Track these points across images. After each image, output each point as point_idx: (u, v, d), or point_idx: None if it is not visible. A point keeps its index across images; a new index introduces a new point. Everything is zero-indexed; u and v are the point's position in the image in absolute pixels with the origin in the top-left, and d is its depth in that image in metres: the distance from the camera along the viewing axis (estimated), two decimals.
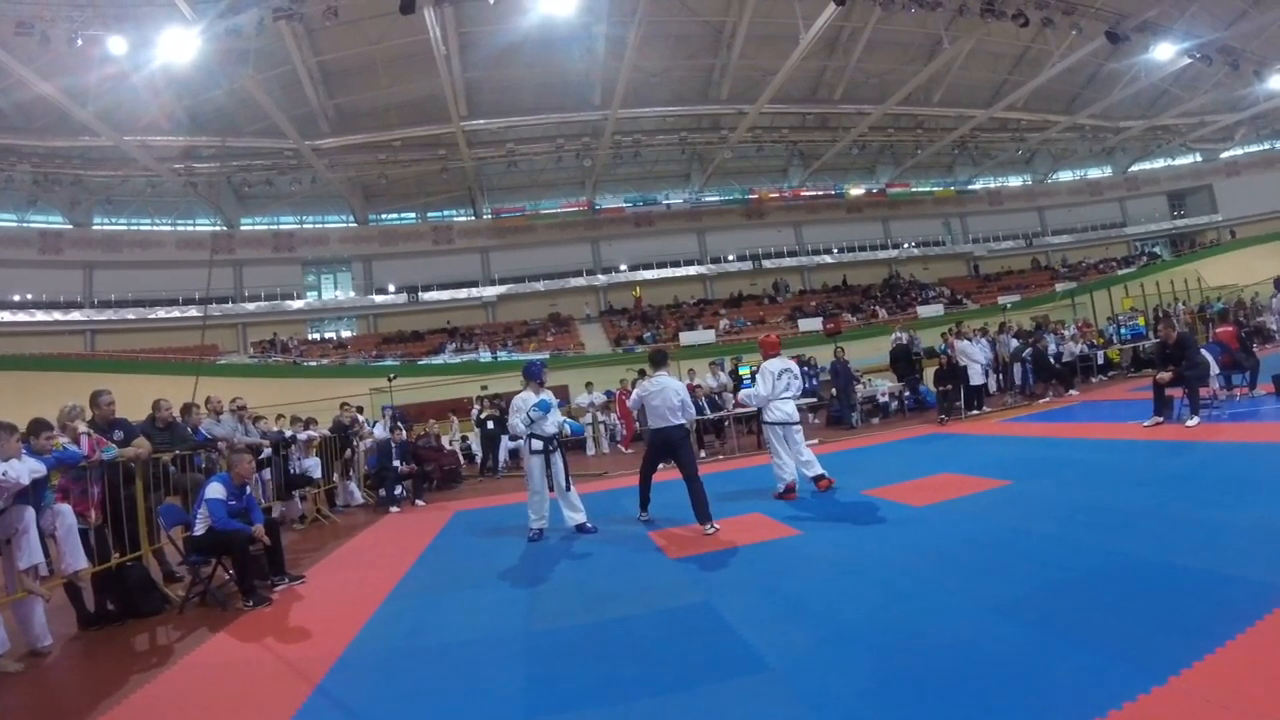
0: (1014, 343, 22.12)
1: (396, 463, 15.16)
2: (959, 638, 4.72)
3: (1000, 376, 21.90)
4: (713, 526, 8.49)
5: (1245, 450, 9.89)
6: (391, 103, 32.23)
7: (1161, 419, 12.46)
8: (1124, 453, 11.01)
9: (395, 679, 5.28)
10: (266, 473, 12.82)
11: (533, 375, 10.38)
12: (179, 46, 22.96)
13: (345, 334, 41.07)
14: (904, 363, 22.41)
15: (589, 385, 23.15)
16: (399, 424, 17.35)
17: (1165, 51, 33.45)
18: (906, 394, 21.99)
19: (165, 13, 22.19)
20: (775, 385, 10.83)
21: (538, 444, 9.95)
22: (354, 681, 5.32)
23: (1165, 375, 12.67)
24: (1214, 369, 13.37)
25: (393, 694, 5.01)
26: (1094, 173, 55.15)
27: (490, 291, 43.18)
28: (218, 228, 39.21)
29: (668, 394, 9.44)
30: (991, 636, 4.66)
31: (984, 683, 4.05)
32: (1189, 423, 11.85)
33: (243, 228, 40.38)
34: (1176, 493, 7.96)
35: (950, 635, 4.78)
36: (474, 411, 21.75)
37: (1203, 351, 13.30)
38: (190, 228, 39.32)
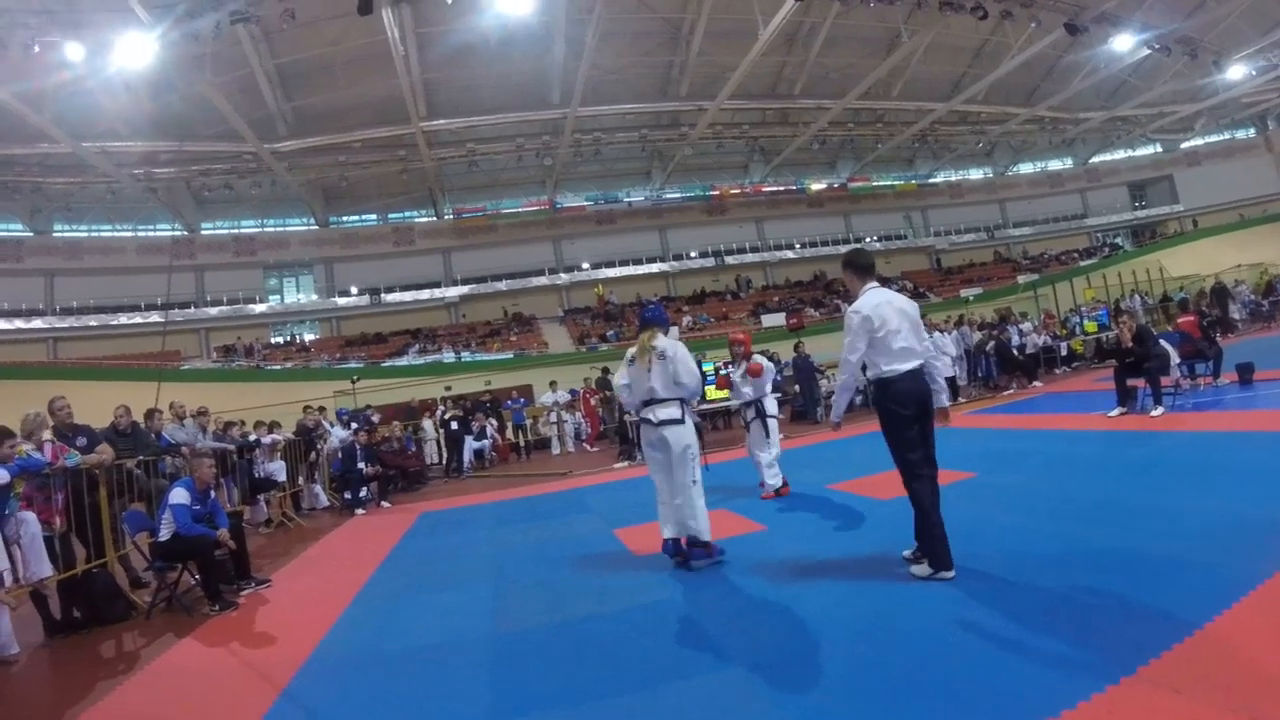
0: (975, 335, 22.32)
1: (361, 465, 15.09)
2: (925, 630, 4.71)
3: (965, 369, 21.88)
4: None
5: (1208, 439, 10.20)
6: (351, 104, 32.02)
7: (1125, 409, 12.72)
8: (1088, 443, 11.27)
9: (361, 682, 5.30)
10: (232, 478, 12.73)
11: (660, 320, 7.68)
12: (136, 51, 22.68)
13: (308, 337, 40.72)
14: None
15: (553, 384, 23.32)
16: (368, 425, 17.35)
17: (1124, 42, 33.69)
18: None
19: (122, 18, 21.95)
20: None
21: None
22: (320, 685, 5.35)
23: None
24: (1175, 359, 13.60)
25: (359, 697, 5.03)
26: (1054, 165, 55.28)
27: (453, 292, 42.97)
28: (178, 233, 38.76)
29: (905, 313, 6.05)
30: (958, 628, 4.68)
31: (952, 674, 4.07)
32: (1153, 413, 12.13)
33: (203, 232, 40.02)
34: (1141, 482, 8.18)
35: (916, 628, 4.78)
36: (438, 412, 21.73)
37: (1162, 342, 13.60)
38: (151, 233, 38.82)
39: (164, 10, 22.06)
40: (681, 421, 7.02)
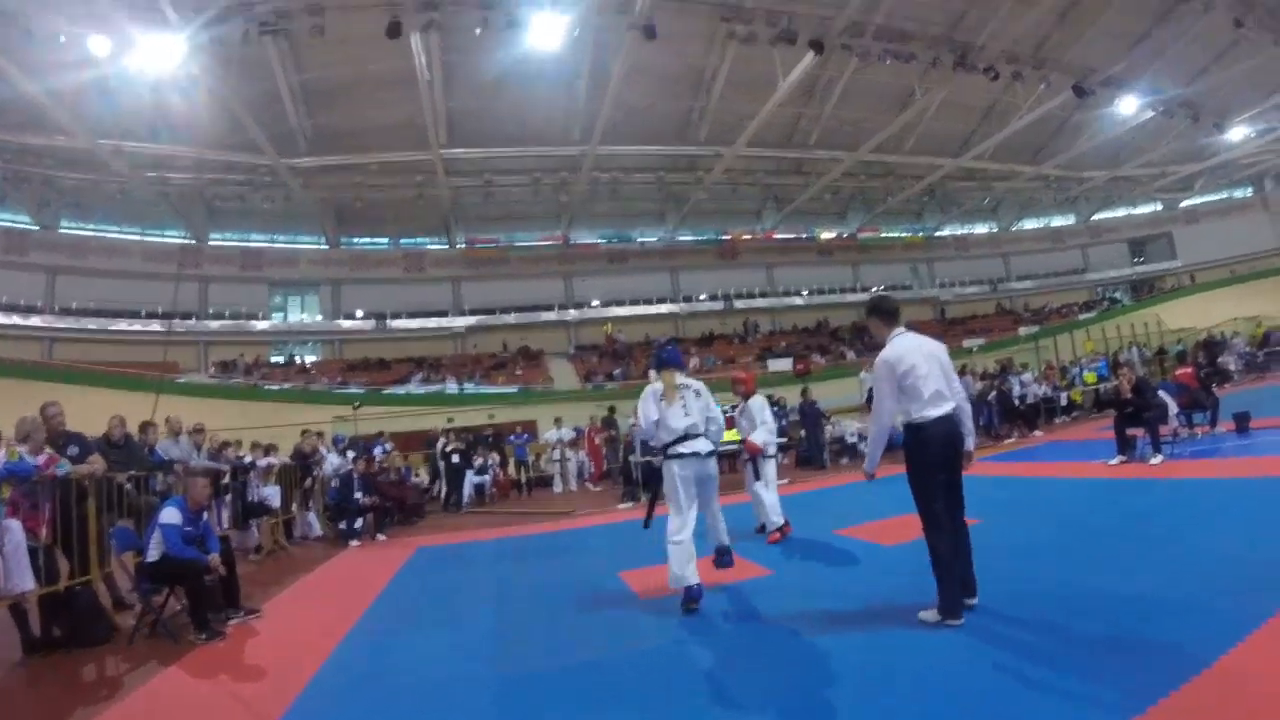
0: (977, 385, 22.51)
1: (358, 495, 14.88)
2: (942, 674, 4.72)
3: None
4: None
5: (1207, 485, 10.37)
6: (371, 126, 31.90)
7: (1125, 458, 12.95)
8: (1090, 490, 11.40)
9: None
10: (225, 500, 12.55)
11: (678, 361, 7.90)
12: (161, 53, 22.56)
13: (309, 359, 40.27)
14: None
15: (558, 420, 23.09)
16: (368, 453, 17.18)
17: (1129, 105, 34.67)
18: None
19: (150, 16, 21.72)
20: (766, 416, 10.63)
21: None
22: None
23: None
24: (1173, 409, 13.77)
25: None
26: (1057, 221, 56.37)
27: (460, 322, 42.68)
28: (186, 241, 38.58)
29: (935, 356, 6.08)
30: (973, 672, 4.70)
31: (966, 717, 4.09)
32: (1152, 460, 12.38)
33: (211, 243, 39.59)
34: (1142, 527, 8.37)
35: (929, 672, 4.77)
36: (439, 444, 21.52)
37: (1160, 392, 13.85)
38: (159, 239, 38.58)
39: (194, 13, 21.98)
40: (714, 453, 7.40)
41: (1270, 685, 3.86)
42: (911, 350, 5.90)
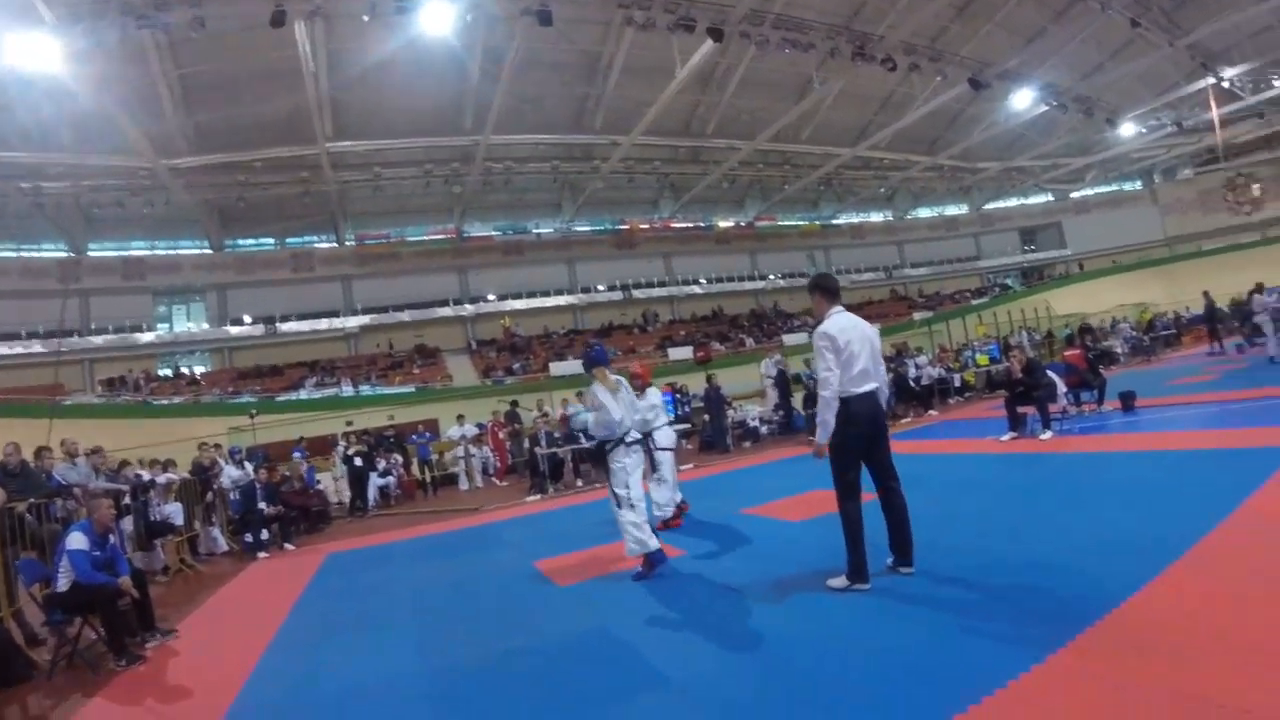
0: None
1: (261, 505, 14.33)
2: (839, 639, 5.10)
3: None
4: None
5: (1092, 459, 11.28)
6: (255, 121, 30.83)
7: (1016, 434, 13.96)
8: (983, 465, 12.20)
9: None
10: (126, 521, 11.88)
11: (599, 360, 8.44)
12: (33, 53, 21.14)
13: (199, 369, 38.36)
14: (785, 388, 23.06)
15: (460, 418, 22.64)
16: (263, 464, 16.56)
17: (1024, 99, 35.92)
18: (780, 416, 23.02)
19: (21, 13, 20.45)
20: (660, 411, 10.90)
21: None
22: None
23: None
24: (1061, 388, 14.73)
25: None
26: (951, 210, 58.18)
27: (353, 322, 41.51)
28: (65, 254, 36.85)
29: (868, 338, 6.45)
30: (869, 636, 5.06)
31: (866, 678, 4.40)
32: (1042, 436, 13.32)
33: (90, 253, 37.67)
34: (1032, 499, 8.95)
35: (832, 637, 5.16)
36: (340, 448, 20.88)
37: (1049, 372, 14.81)
38: (35, 253, 36.64)
39: (68, 10, 20.86)
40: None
41: (1162, 630, 4.33)
42: (848, 328, 6.27)
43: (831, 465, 6.25)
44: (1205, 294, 27.79)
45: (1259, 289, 22.05)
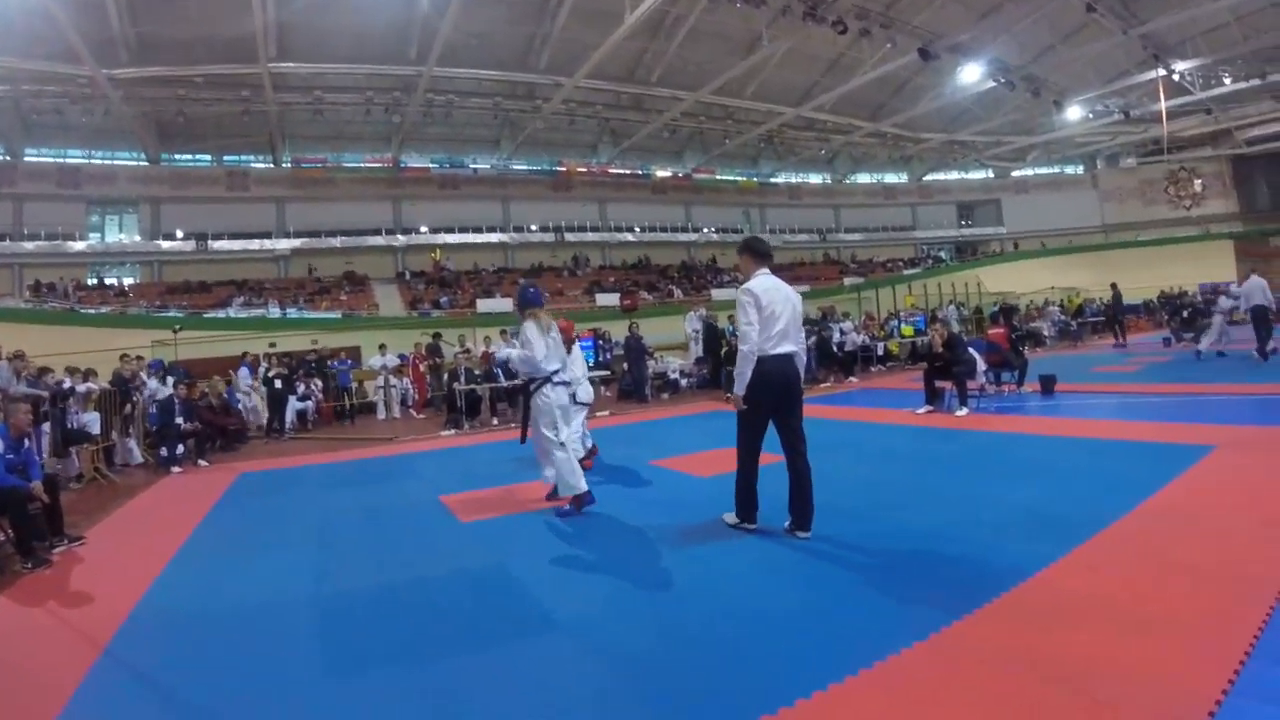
0: None
1: (179, 420, 14.43)
2: (735, 595, 5.15)
3: None
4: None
5: (1005, 439, 11.02)
6: (199, 36, 30.24)
7: (932, 407, 13.80)
8: (896, 436, 11.96)
9: (186, 642, 5.18)
10: (44, 427, 12.03)
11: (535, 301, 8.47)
12: None
13: (128, 281, 38.18)
14: (713, 342, 22.96)
15: (382, 347, 22.83)
16: (183, 380, 16.62)
17: (972, 73, 36.03)
18: (704, 372, 23.09)
19: None
20: (583, 366, 11.33)
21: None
22: (143, 645, 5.20)
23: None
24: (981, 365, 14.54)
25: (184, 656, 4.91)
26: (890, 178, 58.42)
27: (284, 245, 41.32)
28: (1, 158, 36.34)
29: (790, 301, 6.64)
30: (766, 595, 5.12)
31: (757, 635, 4.41)
32: (958, 412, 13.20)
33: (26, 159, 37.11)
34: (942, 472, 8.94)
35: (728, 592, 5.21)
36: (260, 369, 20.97)
37: (970, 349, 14.60)
38: None
39: None
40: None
41: (1037, 619, 4.30)
42: (772, 289, 6.47)
43: (738, 419, 6.53)
44: (1113, 286, 28.30)
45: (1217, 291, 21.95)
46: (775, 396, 6.37)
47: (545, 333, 8.09)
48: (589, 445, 10.70)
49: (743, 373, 6.43)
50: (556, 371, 8.15)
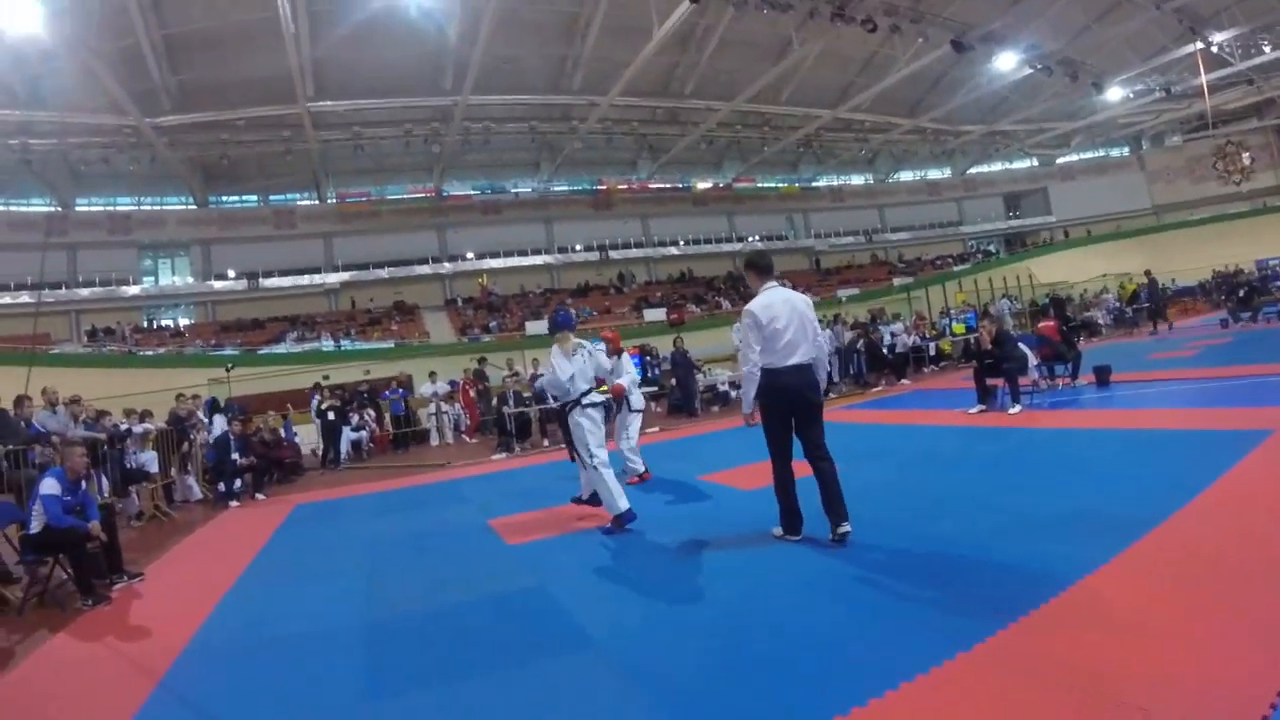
0: (848, 334, 23.25)
1: (235, 456, 14.66)
2: (774, 611, 5.06)
3: (838, 365, 22.44)
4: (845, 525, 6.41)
5: (1060, 435, 10.75)
6: (237, 80, 30.93)
7: (985, 407, 13.39)
8: (948, 438, 11.70)
9: (237, 671, 5.29)
10: (105, 467, 12.33)
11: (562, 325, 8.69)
12: (18, 11, 21.41)
13: (183, 322, 39.01)
14: None
15: (433, 375, 23.14)
16: (237, 416, 16.89)
17: (1008, 61, 35.31)
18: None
19: None
20: (629, 369, 11.39)
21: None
22: (196, 675, 5.32)
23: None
24: (1033, 360, 14.35)
25: (235, 685, 5.04)
26: (934, 174, 57.61)
27: (333, 278, 41.86)
28: (52, 208, 37.07)
29: (798, 310, 6.61)
30: (805, 609, 5.03)
31: (795, 652, 4.33)
32: (1011, 410, 12.81)
33: (78, 209, 38.03)
34: (992, 475, 8.77)
35: (766, 609, 5.13)
36: (314, 402, 21.24)
37: (1020, 345, 14.27)
38: (23, 208, 37.00)
39: None
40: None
41: (1083, 628, 4.14)
42: (777, 303, 6.48)
43: (764, 431, 6.60)
44: (1147, 273, 27.77)
45: None
46: (792, 405, 6.47)
47: (570, 355, 8.19)
48: (639, 466, 10.78)
49: (746, 392, 6.67)
50: (587, 392, 8.20)
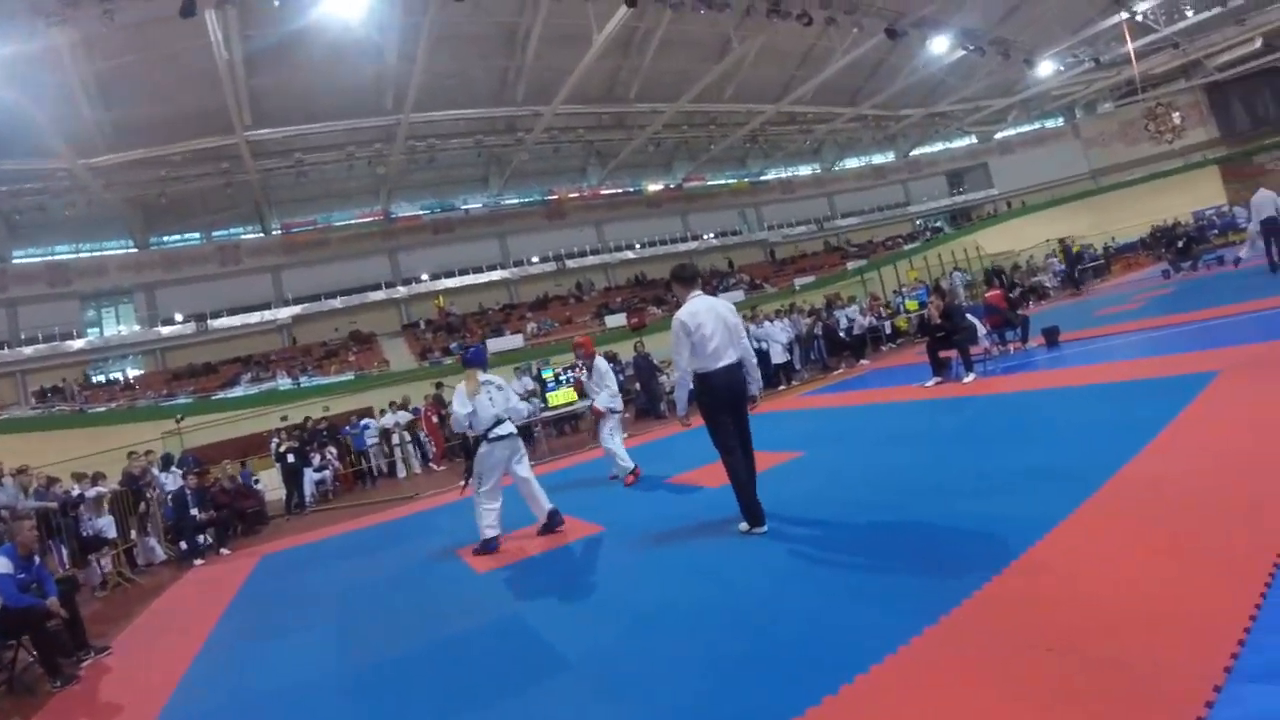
0: (805, 321, 24.19)
1: (194, 511, 14.11)
2: (748, 609, 5.15)
3: (798, 353, 23.44)
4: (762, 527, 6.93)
5: (1014, 399, 11.40)
6: (172, 114, 30.02)
7: (940, 378, 14.25)
8: (906, 414, 12.41)
9: None
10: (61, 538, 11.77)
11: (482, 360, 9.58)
12: None
13: (132, 372, 37.47)
14: None
15: (392, 404, 22.88)
16: (193, 469, 16.29)
17: (941, 45, 36.66)
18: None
19: None
20: (608, 380, 11.85)
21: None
22: None
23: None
24: (982, 329, 15.38)
25: None
26: (878, 158, 58.90)
27: (285, 313, 40.70)
28: None
29: (722, 317, 7.09)
30: (776, 601, 5.20)
31: (769, 644, 4.46)
32: (965, 379, 13.56)
33: (15, 261, 36.70)
34: (951, 444, 9.24)
35: (741, 608, 5.22)
36: (272, 445, 20.58)
37: (968, 315, 15.18)
38: None
39: None
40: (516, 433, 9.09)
41: (1051, 586, 4.31)
42: (702, 310, 7.00)
43: (709, 433, 7.09)
44: (1061, 241, 29.93)
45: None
46: (726, 402, 6.95)
47: (474, 394, 8.78)
48: (629, 464, 11.32)
49: (678, 396, 7.40)
50: (494, 427, 8.80)
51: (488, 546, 8.66)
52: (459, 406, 8.76)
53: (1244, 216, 20.18)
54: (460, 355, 9.27)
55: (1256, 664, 3.08)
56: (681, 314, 7.01)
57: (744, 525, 6.95)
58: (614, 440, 11.64)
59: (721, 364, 6.88)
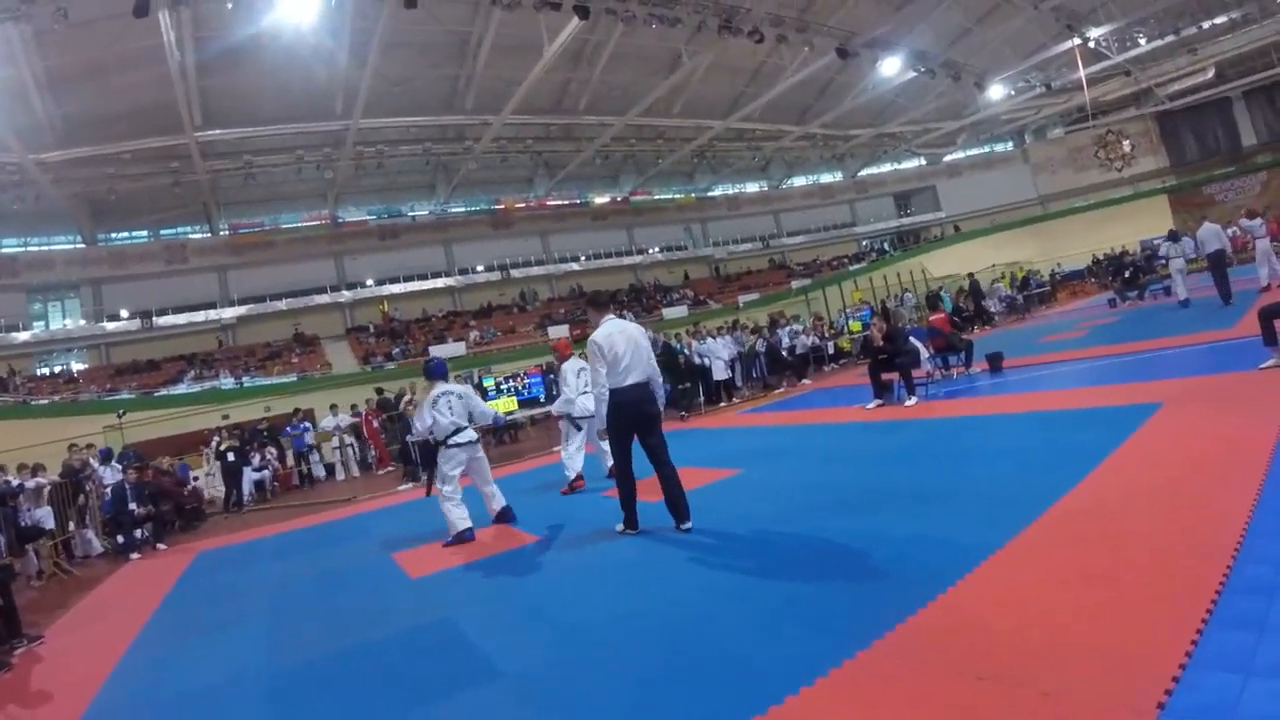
0: (747, 339, 23.96)
1: (133, 505, 14.24)
2: (680, 625, 5.08)
3: (739, 370, 23.17)
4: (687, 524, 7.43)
5: (955, 423, 11.35)
6: (123, 112, 29.92)
7: (882, 401, 13.97)
8: (845, 435, 12.23)
9: None
10: None
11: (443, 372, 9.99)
12: None
13: (76, 367, 37.41)
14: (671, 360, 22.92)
15: (333, 407, 22.80)
16: (133, 464, 16.42)
17: (892, 66, 36.30)
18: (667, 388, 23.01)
19: None
20: (577, 383, 11.58)
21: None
22: None
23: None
24: (925, 353, 14.95)
25: None
26: (826, 178, 59.01)
27: (229, 313, 40.64)
28: None
29: (633, 339, 7.70)
30: (710, 618, 5.09)
31: (703, 667, 4.31)
32: (907, 403, 13.40)
33: None
34: (889, 467, 9.06)
35: (672, 624, 5.14)
36: (213, 443, 20.72)
37: (912, 339, 14.88)
38: None
39: None
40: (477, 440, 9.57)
41: (985, 614, 4.23)
42: (615, 333, 7.61)
43: (609, 441, 7.90)
44: (970, 275, 29.88)
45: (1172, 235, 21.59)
46: (632, 419, 7.55)
47: (434, 404, 9.26)
48: (570, 474, 11.46)
49: (599, 410, 7.76)
50: (454, 434, 9.28)
51: (462, 537, 9.02)
52: (420, 416, 9.35)
53: (1191, 247, 20.25)
54: (424, 366, 10.02)
55: (1188, 702, 3.06)
56: (596, 335, 7.60)
57: (620, 526, 7.81)
58: (567, 446, 11.70)
59: (629, 381, 7.48)
